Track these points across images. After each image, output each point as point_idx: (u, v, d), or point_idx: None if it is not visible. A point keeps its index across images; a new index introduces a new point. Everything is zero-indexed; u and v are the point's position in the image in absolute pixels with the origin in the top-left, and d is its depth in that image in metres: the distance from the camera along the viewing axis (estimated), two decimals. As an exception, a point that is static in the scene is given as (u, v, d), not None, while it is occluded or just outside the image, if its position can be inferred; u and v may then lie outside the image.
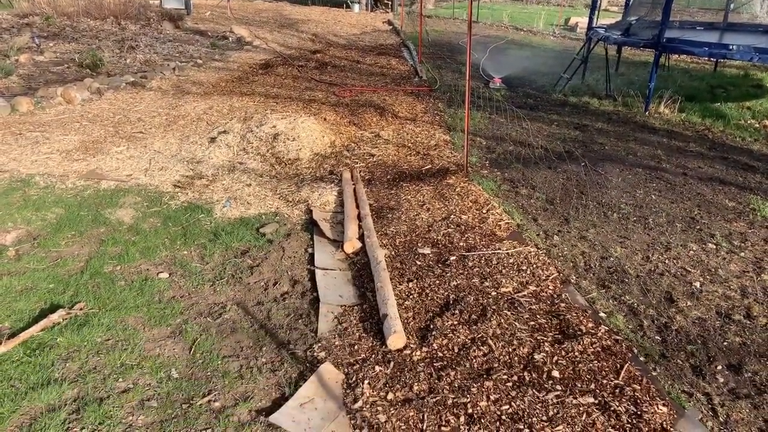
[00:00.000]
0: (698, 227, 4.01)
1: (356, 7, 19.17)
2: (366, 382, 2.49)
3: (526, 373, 2.53)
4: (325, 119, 6.42)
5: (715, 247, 3.72)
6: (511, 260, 3.54)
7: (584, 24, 12.76)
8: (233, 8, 16.18)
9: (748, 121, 6.45)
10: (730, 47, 6.14)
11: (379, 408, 2.35)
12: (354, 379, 2.52)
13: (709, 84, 8.15)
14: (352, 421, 2.29)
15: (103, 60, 8.03)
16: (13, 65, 7.55)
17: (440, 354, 2.67)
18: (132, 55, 8.91)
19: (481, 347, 2.69)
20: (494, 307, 3.01)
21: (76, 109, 6.19)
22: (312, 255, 3.66)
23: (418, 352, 2.68)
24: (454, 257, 3.56)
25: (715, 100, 7.32)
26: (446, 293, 3.18)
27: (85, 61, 7.83)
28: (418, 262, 3.53)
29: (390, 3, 19.83)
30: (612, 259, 3.57)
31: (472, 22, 4.84)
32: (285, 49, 11.10)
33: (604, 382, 2.49)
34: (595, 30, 7.98)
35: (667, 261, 3.54)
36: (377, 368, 2.58)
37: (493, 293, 3.16)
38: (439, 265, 3.48)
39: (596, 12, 8.28)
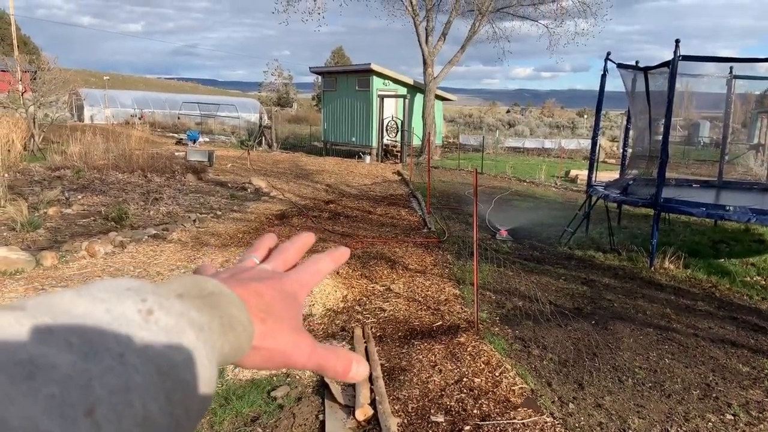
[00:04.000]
0: (714, 395, 3.95)
1: (367, 158, 20.39)
2: None
3: None
4: (338, 272, 6.59)
5: (733, 418, 3.64)
6: None
7: (584, 176, 13.43)
8: (252, 159, 17.26)
9: (754, 278, 6.56)
10: (727, 208, 6.44)
11: None
12: None
13: (711, 239, 8.39)
14: None
15: (128, 213, 8.46)
16: (41, 218, 7.96)
17: None
18: (156, 207, 9.40)
19: None
20: (511, 486, 2.90)
21: (98, 262, 6.44)
22: (323, 422, 3.60)
23: None
24: (468, 427, 3.49)
25: (718, 255, 7.50)
26: (461, 469, 3.08)
27: (111, 214, 8.26)
28: (432, 432, 3.46)
29: (399, 154, 21.09)
30: (630, 431, 3.49)
31: (477, 174, 5.18)
32: (300, 200, 11.66)
33: None
34: (594, 188, 8.41)
35: (687, 434, 3.45)
36: None
37: (510, 470, 3.06)
38: (453, 436, 3.40)
39: (594, 170, 8.78)
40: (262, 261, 0.52)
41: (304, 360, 0.43)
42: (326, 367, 0.45)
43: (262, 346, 0.41)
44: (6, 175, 10.49)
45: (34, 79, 17.45)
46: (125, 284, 0.34)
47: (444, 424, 3.56)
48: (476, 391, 3.96)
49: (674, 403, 3.84)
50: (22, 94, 16.15)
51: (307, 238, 0.56)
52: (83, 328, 0.29)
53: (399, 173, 17.11)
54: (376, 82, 21.46)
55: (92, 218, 8.44)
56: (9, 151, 13.51)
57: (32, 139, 15.65)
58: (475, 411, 3.70)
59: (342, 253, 0.55)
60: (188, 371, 0.32)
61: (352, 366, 0.46)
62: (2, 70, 18.32)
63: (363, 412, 3.68)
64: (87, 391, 0.27)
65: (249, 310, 0.40)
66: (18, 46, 23.60)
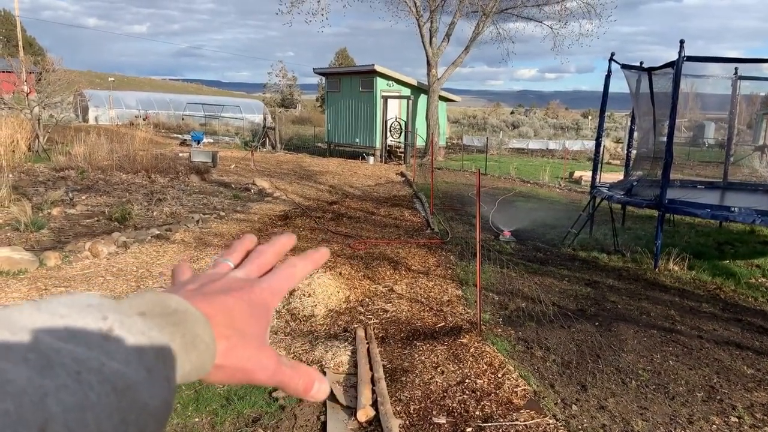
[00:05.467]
0: (719, 397, 3.92)
1: (371, 159, 20.38)
2: None
3: None
4: (340, 273, 6.58)
5: (737, 420, 3.61)
6: (529, 433, 3.44)
7: (588, 177, 13.39)
8: (256, 160, 17.27)
9: (759, 280, 6.52)
10: (732, 209, 6.40)
11: None
12: None
13: (716, 240, 8.35)
14: None
15: (132, 213, 8.48)
16: (46, 219, 7.98)
17: None
18: (159, 207, 9.41)
19: None
20: (513, 489, 2.88)
21: (101, 263, 6.44)
22: (324, 423, 3.59)
23: None
24: (470, 429, 3.48)
25: (723, 257, 7.46)
26: (463, 471, 3.06)
27: (114, 214, 8.27)
28: (433, 434, 3.44)
29: (402, 155, 21.09)
30: (634, 433, 3.46)
31: (481, 174, 5.16)
32: (303, 200, 11.66)
33: None
34: (598, 189, 8.38)
35: (691, 436, 3.43)
36: None
37: (512, 472, 3.04)
38: (455, 438, 3.39)
39: (598, 172, 8.75)
40: (238, 265, 0.50)
41: (267, 377, 0.43)
42: (288, 384, 0.44)
43: (226, 364, 0.40)
44: (10, 175, 10.53)
45: (39, 80, 17.51)
46: (86, 300, 0.33)
47: (446, 425, 3.54)
48: (478, 393, 3.94)
49: (678, 405, 3.82)
50: (27, 95, 16.21)
51: (287, 240, 0.54)
52: (41, 344, 0.29)
53: (402, 174, 17.10)
54: (380, 83, 21.46)
55: (96, 218, 8.46)
56: (13, 151, 13.56)
57: (37, 140, 15.71)
58: (477, 412, 3.68)
59: (322, 255, 0.53)
60: (145, 391, 0.31)
61: (314, 384, 0.45)
62: (7, 71, 18.41)
63: (365, 413, 3.66)
64: (41, 408, 0.26)
65: (214, 327, 0.39)
66: (23, 48, 23.71)
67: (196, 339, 0.37)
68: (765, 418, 3.65)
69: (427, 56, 22.06)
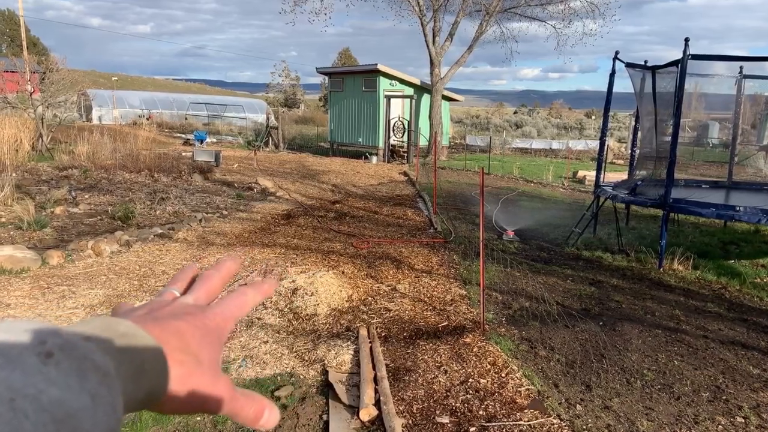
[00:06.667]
0: (724, 397, 3.89)
1: (374, 158, 20.37)
2: None
3: None
4: (343, 272, 6.57)
5: (743, 420, 3.58)
6: (532, 433, 3.42)
7: (592, 177, 13.34)
8: (259, 159, 17.27)
9: (765, 280, 6.48)
10: (737, 209, 6.36)
11: None
12: None
13: (720, 240, 8.31)
14: None
15: (135, 212, 8.47)
16: (49, 217, 7.98)
17: None
18: (162, 206, 9.41)
19: None
20: (517, 489, 2.86)
21: (104, 261, 6.44)
22: (326, 423, 3.57)
23: None
24: (473, 428, 3.45)
25: (728, 257, 7.42)
26: (466, 471, 3.04)
27: (117, 213, 8.27)
28: (437, 434, 3.42)
29: (405, 155, 21.06)
30: (638, 433, 3.43)
31: (484, 174, 5.13)
32: (306, 200, 11.64)
33: None
34: (602, 188, 8.34)
35: (696, 437, 3.40)
36: None
37: (516, 472, 3.02)
38: (458, 438, 3.36)
39: (602, 171, 8.71)
40: (184, 293, 0.49)
41: (221, 406, 0.41)
42: (239, 413, 0.43)
43: (180, 390, 0.38)
44: (14, 174, 10.54)
45: (43, 79, 17.52)
46: (24, 326, 0.32)
47: (449, 425, 3.52)
48: (482, 392, 3.92)
49: (683, 405, 3.79)
50: (30, 95, 16.23)
51: (232, 264, 0.54)
52: None
53: (405, 174, 17.07)
54: (383, 83, 21.43)
55: (99, 217, 8.46)
56: (17, 150, 13.58)
57: (40, 139, 15.73)
58: (480, 412, 3.66)
59: (270, 286, 0.53)
60: (87, 419, 0.29)
61: (264, 412, 0.44)
62: (11, 71, 18.43)
63: (367, 413, 3.64)
64: None
65: (167, 351, 0.38)
66: (27, 47, 23.75)
67: (147, 364, 0.36)
68: (771, 418, 3.62)
69: (430, 56, 22.04)
